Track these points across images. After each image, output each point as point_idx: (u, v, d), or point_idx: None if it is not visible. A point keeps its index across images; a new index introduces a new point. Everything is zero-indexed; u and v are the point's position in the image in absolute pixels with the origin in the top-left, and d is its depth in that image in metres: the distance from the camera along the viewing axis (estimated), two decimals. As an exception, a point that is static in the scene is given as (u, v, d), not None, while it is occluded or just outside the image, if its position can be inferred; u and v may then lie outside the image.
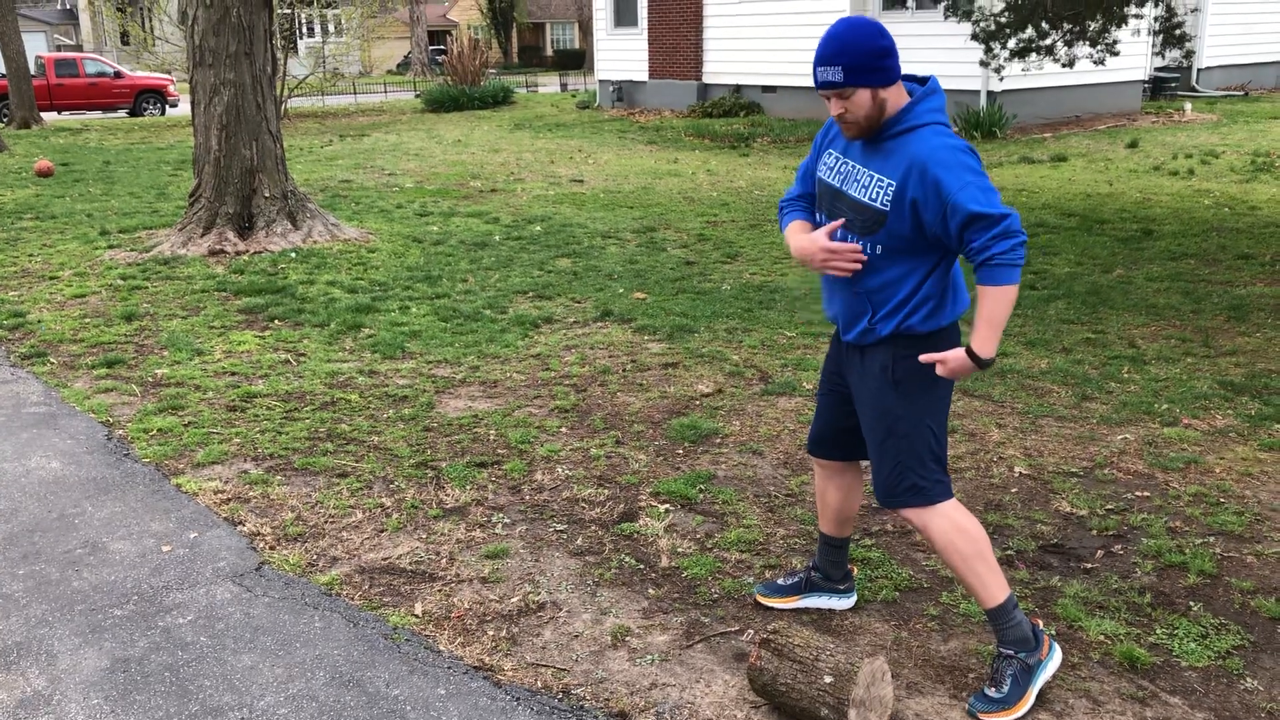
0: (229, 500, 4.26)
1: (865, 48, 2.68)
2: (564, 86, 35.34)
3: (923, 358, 2.80)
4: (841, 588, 3.40)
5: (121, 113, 27.06)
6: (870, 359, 2.92)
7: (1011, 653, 2.91)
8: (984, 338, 2.68)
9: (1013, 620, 2.92)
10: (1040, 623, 2.99)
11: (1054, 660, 2.97)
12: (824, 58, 2.72)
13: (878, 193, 2.76)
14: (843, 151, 2.90)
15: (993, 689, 2.87)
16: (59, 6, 52.02)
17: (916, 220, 2.73)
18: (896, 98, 2.76)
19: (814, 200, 3.04)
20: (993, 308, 2.66)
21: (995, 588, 2.92)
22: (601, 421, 5.06)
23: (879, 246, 2.80)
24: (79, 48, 46.96)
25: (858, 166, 2.83)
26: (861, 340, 2.91)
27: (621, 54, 22.92)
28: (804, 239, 2.90)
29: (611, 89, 23.16)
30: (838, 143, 2.93)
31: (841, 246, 2.82)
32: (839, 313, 2.97)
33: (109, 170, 14.83)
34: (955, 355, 2.74)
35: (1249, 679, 3.01)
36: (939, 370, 2.77)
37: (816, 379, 5.51)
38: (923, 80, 2.83)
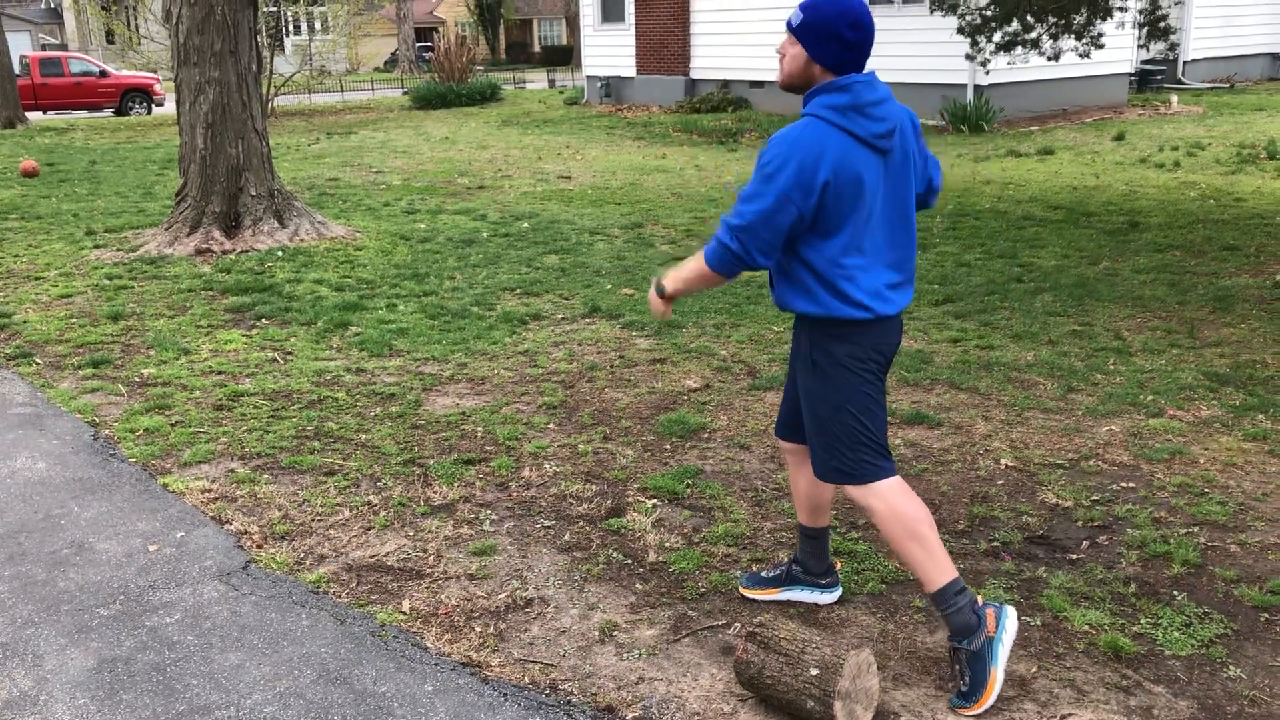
0: (216, 499, 4.26)
1: (829, 17, 2.76)
2: (552, 83, 35.31)
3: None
4: (823, 582, 3.39)
5: (107, 112, 26.94)
6: (799, 341, 3.02)
7: (956, 643, 2.88)
8: (672, 276, 3.03)
9: (953, 606, 2.87)
10: (981, 598, 2.93)
11: (1006, 629, 2.86)
12: (803, 3, 2.85)
13: None
14: None
15: (958, 682, 2.89)
16: (43, 5, 51.77)
17: None
18: (820, 77, 2.85)
19: None
20: (691, 265, 2.98)
21: (934, 571, 2.87)
22: (589, 417, 5.06)
23: None
24: (64, 47, 46.76)
25: None
26: (780, 307, 3.02)
27: (609, 50, 22.90)
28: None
29: (599, 85, 23.15)
30: None
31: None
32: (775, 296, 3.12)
33: (95, 170, 14.77)
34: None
35: (1232, 667, 3.02)
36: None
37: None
38: (844, 87, 2.85)
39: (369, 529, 3.99)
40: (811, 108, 2.83)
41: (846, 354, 2.90)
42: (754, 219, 2.78)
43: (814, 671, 2.75)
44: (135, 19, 31.61)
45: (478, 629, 3.31)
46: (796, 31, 2.82)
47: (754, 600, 3.42)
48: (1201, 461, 4.40)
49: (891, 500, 2.93)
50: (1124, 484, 4.21)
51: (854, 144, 2.76)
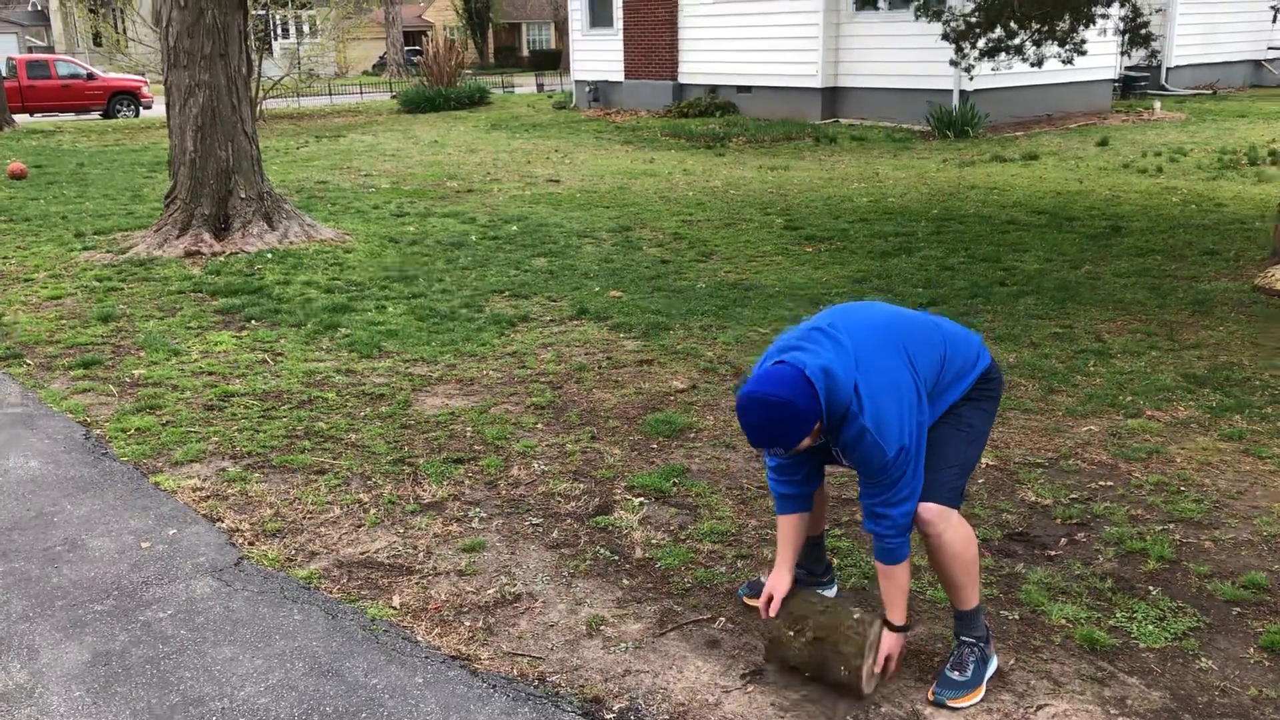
0: (207, 497, 4.31)
1: (790, 429, 2.73)
2: (540, 87, 35.36)
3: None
4: (824, 580, 3.49)
5: (95, 115, 26.89)
6: None
7: (973, 641, 3.02)
8: (897, 612, 3.04)
9: (980, 617, 3.06)
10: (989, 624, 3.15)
11: (995, 662, 3.08)
12: (761, 443, 2.79)
13: (846, 461, 2.96)
14: None
15: (956, 672, 2.96)
16: (30, 8, 51.59)
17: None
18: (820, 422, 2.81)
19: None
20: (896, 586, 3.03)
21: (976, 589, 3.05)
22: (577, 417, 5.12)
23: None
24: (51, 49, 46.60)
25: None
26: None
27: (597, 54, 22.98)
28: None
29: (588, 89, 23.22)
30: None
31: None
32: None
33: (83, 172, 14.77)
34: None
35: (1204, 659, 3.10)
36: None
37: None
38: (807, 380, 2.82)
39: (359, 526, 4.05)
40: (838, 409, 2.81)
41: (996, 397, 3.11)
42: (914, 490, 2.89)
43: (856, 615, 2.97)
44: (123, 21, 31.56)
45: (467, 623, 3.37)
46: (791, 451, 2.80)
47: (755, 608, 3.44)
48: (1178, 461, 4.48)
49: (965, 527, 3.04)
50: (1102, 482, 4.29)
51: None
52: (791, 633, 2.99)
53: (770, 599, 3.08)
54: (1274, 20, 9.95)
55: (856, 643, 2.90)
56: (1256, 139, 14.69)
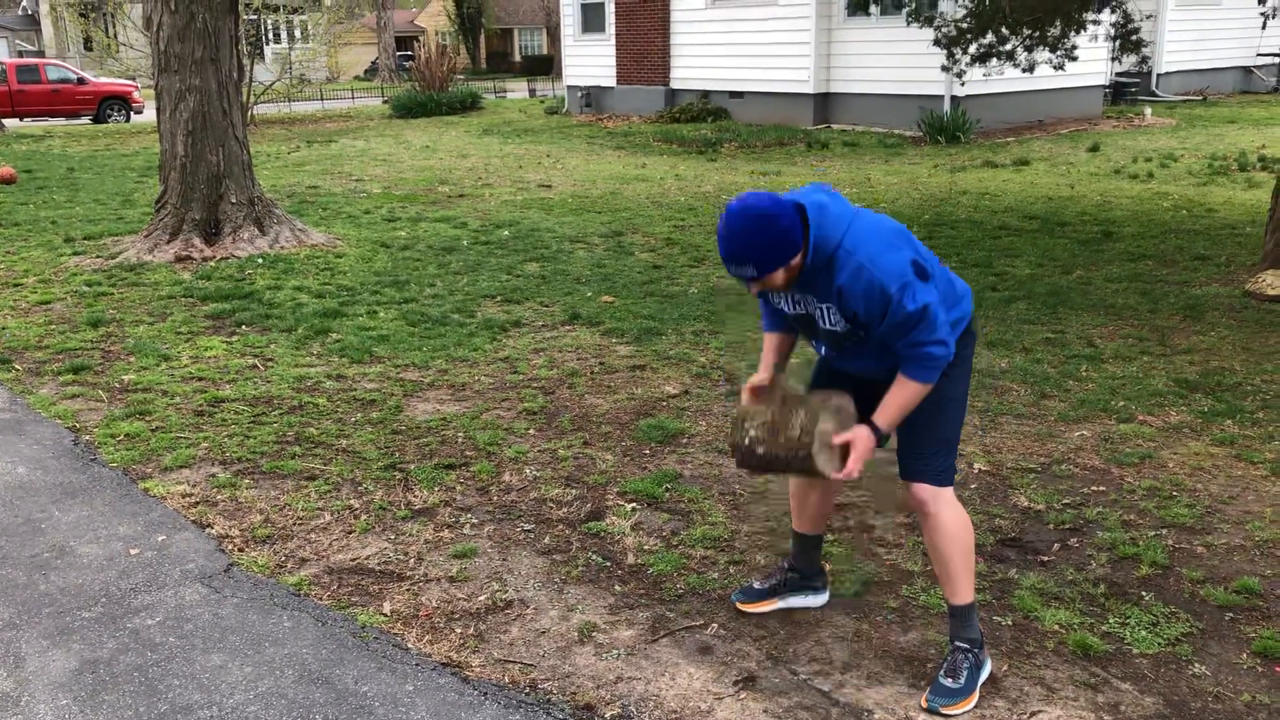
0: (197, 503, 4.28)
1: (769, 241, 2.67)
2: (532, 92, 35.37)
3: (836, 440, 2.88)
4: (817, 584, 3.47)
5: (85, 119, 26.79)
6: None
7: (967, 647, 3.02)
8: (885, 418, 2.87)
9: (974, 617, 3.05)
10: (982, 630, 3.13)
11: (989, 667, 3.07)
12: (732, 256, 2.71)
13: (835, 319, 2.84)
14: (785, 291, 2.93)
15: (949, 679, 2.95)
16: (20, 12, 51.45)
17: (867, 329, 2.83)
18: (802, 256, 2.76)
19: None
20: (903, 397, 2.85)
21: (970, 584, 3.03)
22: (569, 423, 5.11)
23: (877, 342, 2.88)
24: (41, 53, 46.47)
25: (809, 298, 2.87)
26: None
27: (589, 60, 22.99)
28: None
29: (580, 94, 23.23)
30: None
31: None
32: (869, 368, 3.00)
33: (73, 177, 14.72)
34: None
35: (1197, 665, 3.10)
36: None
37: (781, 379, 5.58)
38: (801, 210, 2.78)
39: (350, 532, 4.02)
40: (828, 247, 2.74)
41: (969, 354, 2.99)
42: (944, 321, 2.78)
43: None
44: (114, 26, 31.49)
45: (458, 630, 3.35)
46: (763, 274, 2.73)
47: (749, 614, 3.41)
48: (1171, 466, 4.48)
49: (959, 507, 3.01)
50: (1095, 488, 4.29)
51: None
52: (756, 412, 2.93)
53: (751, 390, 3.05)
54: (1263, 27, 9.99)
55: (804, 425, 2.83)
56: (1246, 145, 14.75)
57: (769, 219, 2.67)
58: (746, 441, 2.91)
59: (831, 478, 2.89)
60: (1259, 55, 23.20)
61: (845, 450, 2.87)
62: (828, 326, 2.88)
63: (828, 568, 3.56)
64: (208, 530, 4.05)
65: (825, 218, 2.75)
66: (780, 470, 2.93)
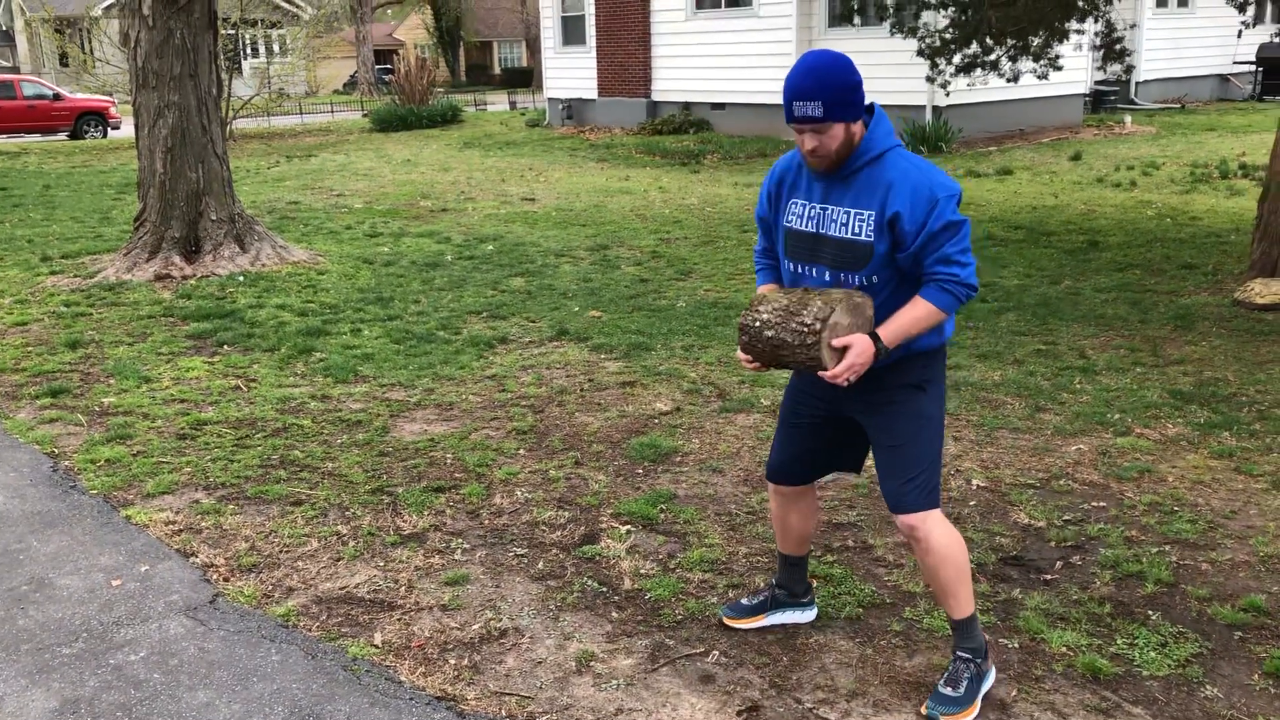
0: (180, 531, 4.17)
1: (842, 82, 2.70)
2: (513, 104, 35.28)
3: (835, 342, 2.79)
4: (804, 600, 3.43)
5: (62, 135, 26.55)
6: (901, 373, 2.90)
7: (969, 656, 2.97)
8: (891, 332, 2.80)
9: (976, 628, 3.01)
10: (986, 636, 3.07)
11: (992, 676, 3.03)
12: (802, 91, 2.70)
13: (860, 227, 2.78)
14: (807, 197, 2.90)
15: (949, 688, 2.91)
16: (-5, 28, 51.07)
17: (897, 244, 2.76)
18: (860, 130, 2.79)
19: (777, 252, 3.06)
20: (915, 316, 2.80)
21: (970, 598, 2.98)
22: (560, 442, 5.02)
23: (874, 277, 2.81)
24: (16, 70, 46.12)
25: (831, 207, 2.84)
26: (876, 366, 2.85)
27: (570, 72, 22.93)
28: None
29: (561, 107, 23.16)
30: (800, 189, 2.93)
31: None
32: None
33: (50, 194, 14.54)
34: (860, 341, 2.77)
35: (1209, 687, 3.03)
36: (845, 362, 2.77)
37: (774, 395, 5.52)
38: (869, 108, 2.84)
39: (338, 560, 3.92)
40: (886, 142, 2.78)
41: (943, 372, 2.98)
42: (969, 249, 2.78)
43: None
44: (90, 42, 31.28)
45: (452, 661, 3.26)
46: (827, 117, 2.70)
47: (736, 630, 3.38)
48: (1170, 479, 4.43)
49: (948, 524, 2.96)
50: (1095, 503, 4.23)
51: None
52: (774, 297, 2.88)
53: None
54: (1239, 35, 10.02)
55: (817, 313, 2.75)
56: (1226, 152, 14.80)
57: (848, 67, 2.73)
58: (757, 323, 2.85)
59: (821, 375, 2.80)
60: (1235, 63, 23.37)
61: (844, 354, 2.78)
62: (846, 236, 2.80)
63: (814, 584, 3.49)
64: (192, 559, 3.94)
65: (885, 124, 2.81)
66: (784, 358, 2.83)
